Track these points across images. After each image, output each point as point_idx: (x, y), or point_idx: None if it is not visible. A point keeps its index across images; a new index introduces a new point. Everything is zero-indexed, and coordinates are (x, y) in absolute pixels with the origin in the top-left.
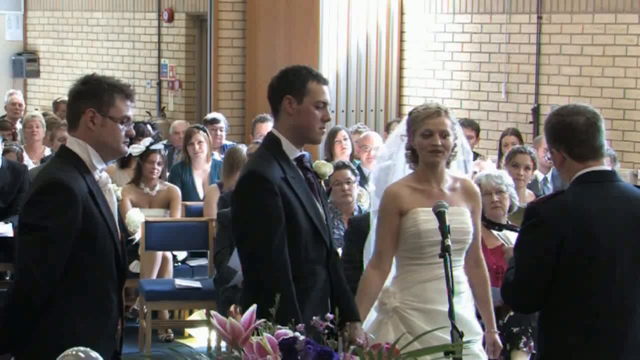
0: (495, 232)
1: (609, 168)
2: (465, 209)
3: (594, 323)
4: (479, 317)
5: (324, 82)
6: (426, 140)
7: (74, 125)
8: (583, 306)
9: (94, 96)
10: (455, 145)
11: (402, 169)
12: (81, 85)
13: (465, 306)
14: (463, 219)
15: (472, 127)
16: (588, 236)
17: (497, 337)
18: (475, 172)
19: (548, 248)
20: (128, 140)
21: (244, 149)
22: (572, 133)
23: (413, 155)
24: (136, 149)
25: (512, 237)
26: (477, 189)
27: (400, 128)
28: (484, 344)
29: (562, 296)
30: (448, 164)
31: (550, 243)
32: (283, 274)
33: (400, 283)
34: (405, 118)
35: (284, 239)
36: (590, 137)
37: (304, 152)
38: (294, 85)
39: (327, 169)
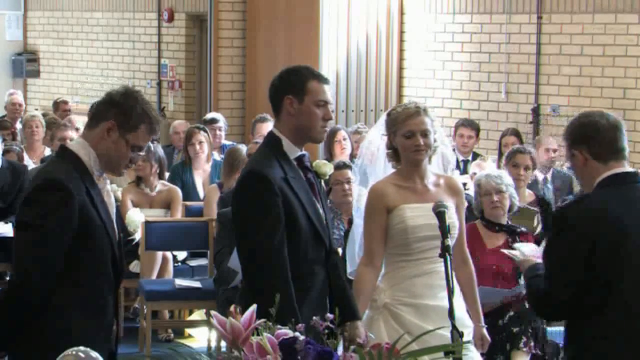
0: (506, 251)
1: (631, 169)
2: (450, 204)
3: (630, 325)
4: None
5: (325, 81)
6: (408, 140)
7: (93, 126)
8: (617, 310)
9: (123, 113)
10: (435, 140)
11: (383, 166)
12: (116, 97)
13: (454, 300)
14: (449, 214)
15: (472, 127)
16: (618, 239)
17: (485, 331)
18: (475, 173)
19: (579, 255)
20: (130, 166)
21: (243, 149)
22: (595, 132)
23: (395, 155)
24: None
25: (525, 249)
26: (460, 186)
27: (378, 126)
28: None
29: (595, 300)
30: (429, 159)
31: (582, 249)
32: (282, 273)
33: (389, 279)
34: (383, 117)
35: (284, 239)
36: (613, 137)
37: (304, 152)
38: (295, 85)
39: (328, 168)
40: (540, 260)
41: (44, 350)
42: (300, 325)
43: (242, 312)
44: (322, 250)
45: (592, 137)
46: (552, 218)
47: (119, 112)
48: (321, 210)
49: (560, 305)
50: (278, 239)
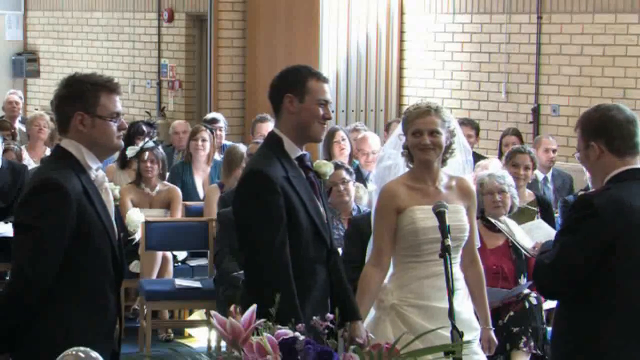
0: (493, 220)
1: None
2: (461, 206)
3: (635, 317)
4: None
5: (324, 80)
6: (416, 139)
7: (65, 128)
8: (626, 301)
9: (79, 98)
10: (451, 144)
11: (403, 168)
12: (64, 89)
13: (462, 302)
14: (459, 216)
15: (471, 125)
16: (638, 231)
17: (492, 333)
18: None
19: (601, 242)
20: (121, 133)
21: (242, 147)
22: (614, 126)
23: (409, 154)
24: (131, 151)
25: (511, 224)
26: (473, 187)
27: (399, 128)
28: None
29: (602, 288)
30: (444, 162)
31: (605, 237)
32: (284, 272)
33: (397, 280)
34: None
35: (285, 238)
36: (630, 132)
37: (305, 152)
38: (295, 84)
39: (328, 168)
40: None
41: (47, 350)
42: (300, 325)
43: (243, 311)
44: (323, 249)
45: (611, 130)
46: (576, 203)
47: (74, 101)
48: (322, 210)
49: (559, 284)
50: (279, 238)
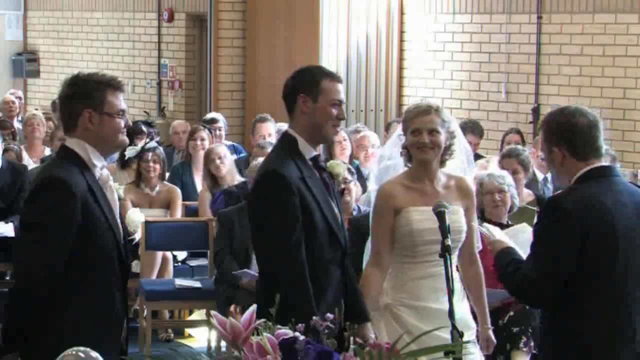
0: (475, 225)
1: (609, 164)
2: (459, 207)
3: (616, 313)
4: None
5: (338, 80)
6: (415, 137)
7: (71, 127)
8: (606, 297)
9: (86, 96)
10: (450, 145)
11: (403, 168)
12: (69, 88)
13: (455, 303)
14: (457, 217)
15: (480, 134)
16: (609, 229)
17: (491, 333)
18: None
19: (574, 242)
20: (126, 130)
21: (217, 147)
22: (576, 134)
23: (408, 154)
24: (131, 151)
25: (494, 230)
26: (472, 187)
27: (400, 128)
28: (477, 339)
29: (585, 288)
30: (443, 163)
31: (576, 236)
32: (300, 272)
33: (393, 280)
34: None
35: (301, 238)
36: (592, 138)
37: (317, 152)
38: (309, 85)
39: (341, 169)
40: (512, 244)
41: (54, 348)
42: (300, 325)
43: (259, 312)
44: (338, 250)
45: (572, 137)
46: (544, 207)
47: (82, 100)
48: (336, 210)
49: (549, 291)
50: (295, 238)
